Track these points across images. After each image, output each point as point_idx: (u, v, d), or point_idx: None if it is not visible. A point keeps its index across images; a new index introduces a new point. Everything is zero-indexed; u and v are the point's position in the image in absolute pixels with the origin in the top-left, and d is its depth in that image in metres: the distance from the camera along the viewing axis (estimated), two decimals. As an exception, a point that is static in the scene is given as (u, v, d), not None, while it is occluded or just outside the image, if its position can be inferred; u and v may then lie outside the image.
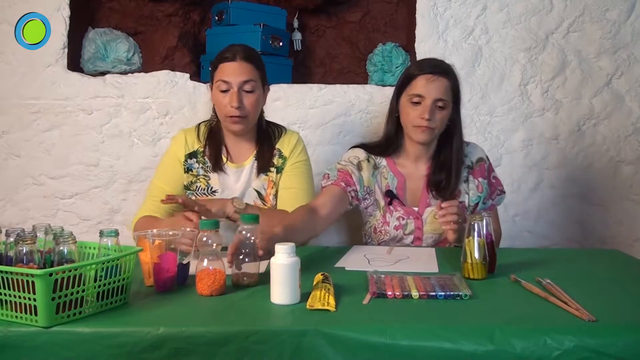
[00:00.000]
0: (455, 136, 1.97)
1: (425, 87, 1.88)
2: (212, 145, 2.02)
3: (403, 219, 1.95)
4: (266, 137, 2.05)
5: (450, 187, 1.95)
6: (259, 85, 1.96)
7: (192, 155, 2.03)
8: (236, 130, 1.97)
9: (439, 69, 1.90)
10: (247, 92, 1.92)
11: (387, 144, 2.01)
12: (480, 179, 2.00)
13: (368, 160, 1.99)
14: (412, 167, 2.01)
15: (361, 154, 2.00)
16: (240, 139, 2.04)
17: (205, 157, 2.02)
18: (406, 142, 2.00)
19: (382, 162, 2.01)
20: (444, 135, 1.97)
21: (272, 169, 2.03)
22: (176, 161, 2.02)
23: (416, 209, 1.96)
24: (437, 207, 1.77)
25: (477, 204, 1.99)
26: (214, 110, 2.05)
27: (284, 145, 2.05)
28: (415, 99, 1.89)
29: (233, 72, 1.92)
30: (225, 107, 1.92)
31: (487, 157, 2.06)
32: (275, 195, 2.02)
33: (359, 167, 1.97)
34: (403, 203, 1.97)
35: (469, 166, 2.00)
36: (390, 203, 1.97)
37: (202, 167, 2.01)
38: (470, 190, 1.99)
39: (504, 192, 2.06)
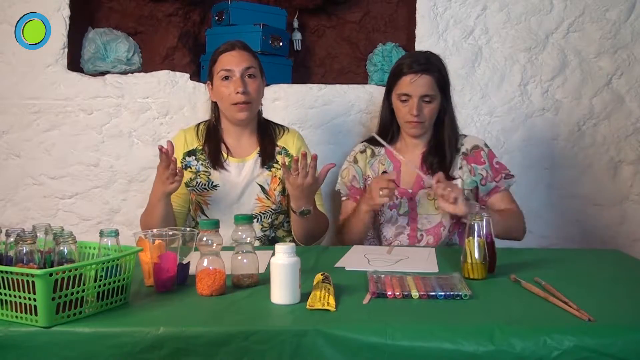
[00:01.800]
0: (446, 121, 2.05)
1: (410, 86, 1.96)
2: (211, 143, 2.03)
3: (397, 198, 2.01)
4: (266, 132, 2.08)
5: (443, 168, 2.01)
6: (259, 74, 2.01)
7: (190, 153, 2.04)
8: (242, 119, 1.99)
9: (421, 67, 1.97)
10: (250, 77, 1.97)
11: (383, 136, 2.07)
12: (473, 165, 2.04)
13: (365, 151, 2.13)
14: (409, 153, 2.08)
15: (359, 147, 2.15)
16: (241, 134, 2.05)
17: (205, 155, 2.02)
18: (403, 133, 2.10)
19: (381, 150, 2.11)
20: (437, 121, 2.06)
21: (277, 165, 2.03)
22: (175, 156, 2.02)
23: (410, 190, 2.02)
24: (431, 190, 1.85)
25: (476, 188, 2.04)
26: (212, 109, 2.06)
27: (288, 143, 2.07)
28: (403, 97, 1.98)
29: (234, 60, 1.97)
30: (230, 95, 1.95)
31: (486, 145, 2.11)
32: (281, 192, 2.04)
33: (355, 161, 2.12)
34: (397, 184, 2.02)
35: (464, 153, 2.06)
36: None
37: (202, 164, 2.02)
38: (464, 174, 2.03)
39: (513, 176, 2.08)
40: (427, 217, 2.02)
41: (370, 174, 2.09)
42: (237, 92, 1.93)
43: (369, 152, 2.12)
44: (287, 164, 1.87)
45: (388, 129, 2.10)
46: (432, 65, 1.99)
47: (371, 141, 2.12)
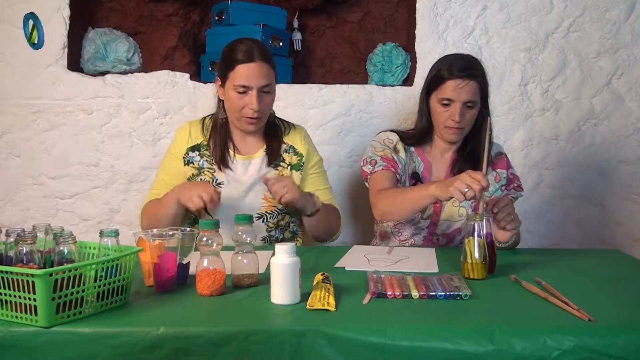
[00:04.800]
0: (484, 128, 1.97)
1: (455, 91, 1.89)
2: (217, 141, 2.00)
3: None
4: (274, 131, 2.06)
5: None
6: (274, 86, 1.96)
7: (194, 148, 2.00)
8: (251, 130, 1.98)
9: (468, 72, 1.90)
10: (265, 92, 1.92)
11: (419, 138, 2.05)
12: (498, 170, 2.04)
13: (400, 143, 2.04)
14: (439, 156, 2.05)
15: (394, 137, 2.05)
16: (248, 135, 2.04)
17: (209, 151, 2.00)
18: (435, 136, 2.05)
19: (411, 148, 2.05)
20: (472, 127, 2.00)
21: (284, 164, 2.02)
22: (178, 154, 2.01)
23: None
24: (490, 208, 1.75)
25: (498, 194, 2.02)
26: (220, 107, 2.03)
27: (296, 141, 2.05)
28: (445, 102, 1.92)
29: (253, 75, 1.88)
30: (243, 109, 1.91)
31: (505, 153, 2.11)
32: None
33: (395, 150, 2.02)
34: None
35: (490, 160, 2.01)
36: (414, 185, 2.00)
37: (206, 160, 2.00)
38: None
39: (522, 190, 2.07)
40: (449, 223, 2.00)
41: (406, 170, 2.02)
42: (251, 109, 1.89)
43: (400, 146, 2.03)
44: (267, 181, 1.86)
45: (426, 134, 2.03)
46: (477, 71, 1.93)
47: (398, 134, 2.06)
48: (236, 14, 2.66)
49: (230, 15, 2.66)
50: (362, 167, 2.03)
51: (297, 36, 2.83)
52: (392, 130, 2.09)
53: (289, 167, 2.02)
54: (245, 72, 1.88)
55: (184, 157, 2.00)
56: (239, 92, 1.89)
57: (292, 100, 2.57)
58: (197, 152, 2.00)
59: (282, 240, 2.04)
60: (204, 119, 2.06)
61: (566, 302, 1.28)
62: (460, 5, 2.58)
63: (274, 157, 2.01)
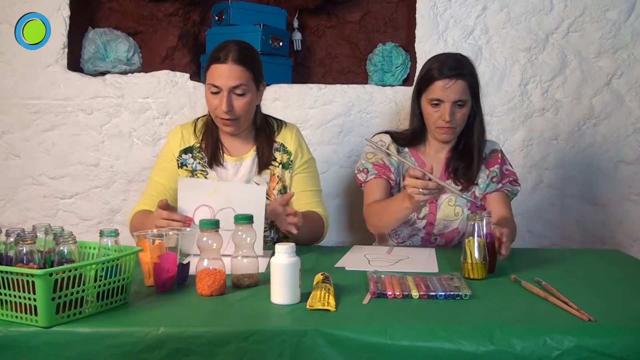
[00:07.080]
0: (476, 125, 2.00)
1: (443, 91, 1.90)
2: (209, 140, 2.01)
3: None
4: (264, 132, 2.04)
5: (469, 173, 2.00)
6: (251, 87, 1.93)
7: (187, 150, 2.01)
8: (228, 132, 1.98)
9: (456, 72, 1.90)
10: (238, 95, 1.90)
11: (412, 139, 2.06)
12: (492, 168, 2.03)
13: (393, 144, 2.04)
14: (433, 155, 2.05)
15: (386, 139, 2.05)
16: (236, 136, 2.03)
17: (202, 152, 2.01)
18: (429, 136, 2.05)
19: (405, 149, 2.06)
20: (465, 125, 2.00)
21: (275, 163, 2.02)
22: (171, 156, 2.01)
23: None
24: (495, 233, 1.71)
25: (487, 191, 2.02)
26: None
27: (286, 139, 2.04)
28: (435, 102, 1.93)
29: (223, 75, 1.88)
30: (216, 109, 1.92)
31: (502, 151, 2.11)
32: (280, 191, 2.02)
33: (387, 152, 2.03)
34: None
35: (482, 158, 2.03)
36: None
37: (199, 163, 2.00)
38: (480, 179, 2.02)
39: (519, 185, 2.06)
40: (445, 222, 2.00)
41: (400, 171, 2.03)
42: (222, 110, 1.89)
43: (396, 146, 2.04)
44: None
45: (418, 134, 2.04)
46: (465, 70, 1.93)
47: (392, 135, 2.07)
48: (236, 14, 2.66)
49: (230, 15, 2.66)
50: (357, 174, 2.05)
51: (297, 36, 2.83)
52: (385, 132, 2.09)
53: (280, 165, 2.02)
54: (216, 73, 1.90)
55: (177, 160, 2.00)
56: (212, 92, 1.91)
57: (292, 100, 2.57)
58: (190, 155, 2.01)
59: (277, 241, 2.04)
60: (195, 121, 2.07)
61: (566, 302, 1.28)
62: (460, 5, 2.58)
63: (265, 158, 2.00)
